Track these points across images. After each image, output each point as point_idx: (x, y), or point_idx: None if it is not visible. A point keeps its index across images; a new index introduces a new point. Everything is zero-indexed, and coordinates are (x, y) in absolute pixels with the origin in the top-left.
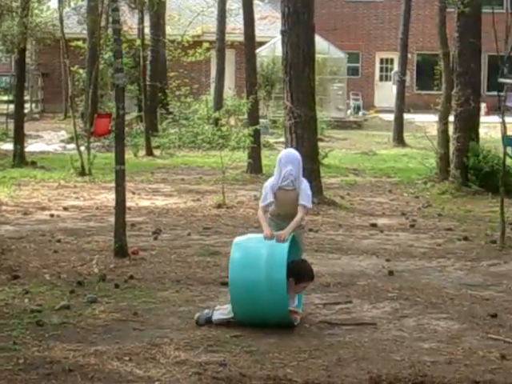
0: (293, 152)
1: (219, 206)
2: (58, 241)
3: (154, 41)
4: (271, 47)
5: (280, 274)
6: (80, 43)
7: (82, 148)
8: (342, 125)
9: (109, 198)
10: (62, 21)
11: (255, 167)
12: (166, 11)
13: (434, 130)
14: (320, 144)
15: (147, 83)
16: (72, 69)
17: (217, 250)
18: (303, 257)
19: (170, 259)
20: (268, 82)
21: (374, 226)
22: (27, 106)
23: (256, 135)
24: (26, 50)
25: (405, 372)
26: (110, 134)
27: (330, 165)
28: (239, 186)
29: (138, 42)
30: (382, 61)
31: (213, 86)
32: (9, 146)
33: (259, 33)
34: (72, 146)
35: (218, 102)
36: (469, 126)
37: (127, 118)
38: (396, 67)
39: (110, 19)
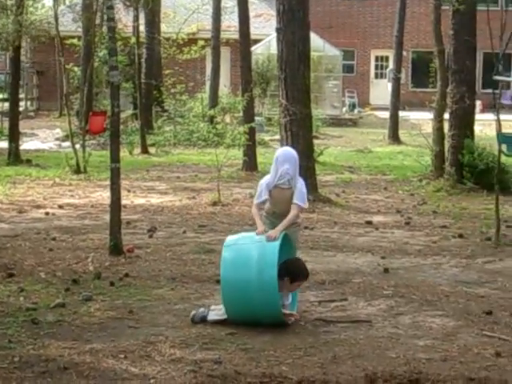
0: (290, 151)
1: (214, 204)
2: (53, 239)
3: (149, 38)
4: (266, 45)
5: (271, 273)
6: (75, 41)
7: (77, 146)
8: (337, 122)
9: (104, 195)
10: (56, 18)
11: (250, 165)
12: (161, 9)
13: (429, 128)
14: (315, 141)
15: (142, 81)
16: (67, 67)
17: (212, 248)
18: (298, 254)
19: (166, 257)
20: (263, 79)
21: (369, 223)
22: (22, 104)
23: (251, 133)
24: (21, 47)
25: (400, 369)
26: (105, 131)
27: (326, 162)
28: (234, 183)
29: (133, 39)
30: (377, 58)
31: (208, 83)
32: (4, 144)
33: (254, 30)
34: (67, 143)
35: (214, 99)
36: (464, 124)
37: (122, 115)
38: (391, 65)
39: (105, 17)
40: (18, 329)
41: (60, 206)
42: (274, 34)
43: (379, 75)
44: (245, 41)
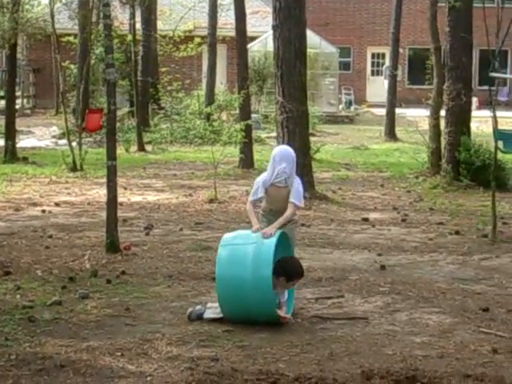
0: (287, 149)
1: (211, 201)
2: (50, 236)
3: (146, 36)
4: (263, 42)
5: (266, 271)
6: (71, 38)
7: (74, 143)
8: (333, 119)
9: (100, 193)
10: (53, 16)
11: (247, 162)
12: (158, 6)
13: (425, 125)
14: (312, 139)
15: (139, 78)
16: (63, 64)
17: (209, 245)
18: (294, 252)
19: (162, 254)
20: (260, 76)
21: (365, 220)
22: (18, 101)
23: (248, 130)
24: (17, 45)
25: (396, 366)
26: (101, 129)
27: (322, 159)
28: (231, 180)
29: (130, 37)
30: (373, 55)
31: (204, 81)
32: (0, 142)
33: (251, 28)
34: (63, 141)
35: (210, 97)
36: (460, 121)
37: (119, 113)
38: (388, 62)
39: (101, 14)
40: (14, 327)
41: (56, 204)
42: (271, 32)
43: (376, 72)
44: (241, 38)
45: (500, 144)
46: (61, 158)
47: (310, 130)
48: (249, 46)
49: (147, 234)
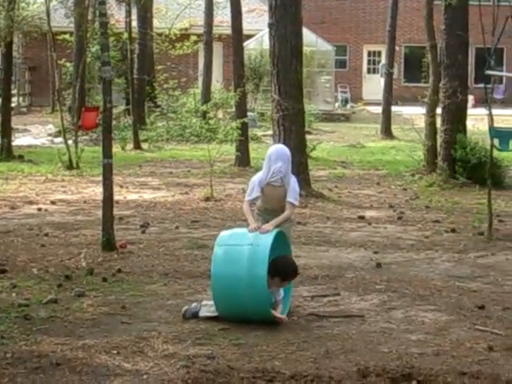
0: (283, 148)
1: (207, 199)
2: (46, 235)
3: (142, 34)
4: (259, 40)
5: (261, 270)
6: (67, 36)
7: (70, 142)
8: (329, 117)
9: (96, 191)
10: (48, 14)
11: (243, 160)
12: (153, 4)
13: (421, 123)
14: (308, 137)
15: (135, 76)
16: (59, 62)
17: (205, 243)
18: (291, 249)
19: (158, 252)
20: (256, 74)
21: (361, 218)
22: (14, 99)
23: (244, 128)
24: (13, 43)
25: (392, 364)
26: (97, 127)
27: (318, 157)
28: (227, 179)
29: (126, 35)
30: (369, 53)
31: (200, 79)
32: None
33: (247, 26)
34: (59, 139)
35: (206, 95)
36: (456, 119)
37: (115, 111)
38: (384, 60)
39: (97, 12)
40: (10, 325)
41: (52, 202)
42: (267, 30)
43: (372, 70)
44: (237, 36)
45: (496, 142)
46: (57, 156)
47: (306, 128)
48: (245, 44)
49: (143, 232)
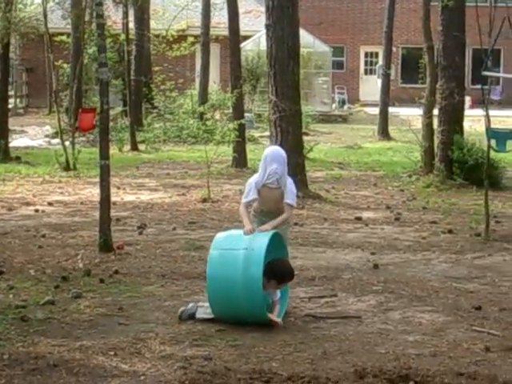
0: (279, 150)
1: (204, 201)
2: (43, 236)
3: (139, 35)
4: (256, 41)
5: (256, 271)
6: (64, 38)
7: (67, 143)
8: (327, 119)
9: (94, 192)
10: (45, 15)
11: (240, 161)
12: (151, 6)
13: (418, 124)
14: (305, 138)
15: (132, 78)
16: (56, 63)
17: (202, 245)
18: (288, 251)
19: (155, 254)
20: (253, 76)
21: (358, 219)
22: (11, 101)
23: (241, 129)
24: (10, 44)
25: (389, 365)
26: (94, 128)
27: (315, 159)
28: (224, 180)
29: (123, 36)
30: (366, 54)
31: (198, 80)
32: None
33: (244, 27)
34: (57, 140)
35: (203, 96)
36: (453, 120)
37: (112, 112)
38: (381, 61)
39: (94, 14)
40: (7, 326)
41: (49, 203)
42: (264, 31)
43: (369, 71)
44: (234, 37)
45: (493, 143)
46: (54, 158)
47: (304, 129)
48: (242, 45)
49: (140, 234)
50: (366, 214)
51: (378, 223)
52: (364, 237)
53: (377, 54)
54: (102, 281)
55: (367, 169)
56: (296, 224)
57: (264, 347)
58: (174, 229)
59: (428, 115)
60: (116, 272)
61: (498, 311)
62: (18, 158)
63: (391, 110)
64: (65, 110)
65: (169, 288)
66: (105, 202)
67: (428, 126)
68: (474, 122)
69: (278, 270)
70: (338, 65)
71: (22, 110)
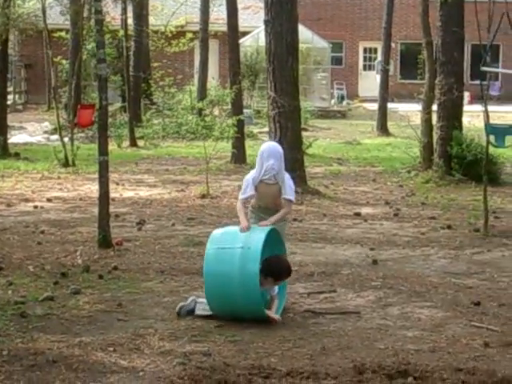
0: (275, 145)
1: (203, 197)
2: (42, 232)
3: (138, 31)
4: (255, 37)
5: (253, 268)
6: (63, 34)
7: (66, 139)
8: (325, 114)
9: (93, 189)
10: (44, 11)
11: (239, 157)
12: (149, 1)
13: (417, 119)
14: (304, 134)
15: (131, 74)
16: (55, 60)
17: (201, 241)
18: (286, 247)
19: (154, 250)
20: (252, 72)
21: (357, 215)
22: (10, 97)
23: (240, 125)
24: (9, 40)
25: (388, 360)
26: (93, 124)
27: (314, 154)
28: (223, 176)
29: (121, 32)
30: (365, 50)
31: (196, 76)
32: None
33: (243, 23)
34: (55, 137)
35: (202, 92)
36: (452, 115)
37: (111, 108)
38: (380, 56)
39: (93, 9)
40: (6, 322)
41: (48, 200)
42: (263, 27)
43: (368, 67)
44: (233, 33)
45: (492, 138)
46: (53, 154)
47: (303, 125)
48: (241, 41)
49: (139, 230)
50: (364, 210)
51: (376, 219)
52: (363, 232)
53: (376, 50)
54: (101, 277)
55: (366, 164)
56: (295, 220)
57: (263, 343)
58: (173, 225)
59: (427, 111)
60: (115, 268)
61: (497, 307)
62: (16, 155)
63: (390, 105)
64: (64, 106)
65: (168, 284)
66: (103, 198)
67: (427, 121)
68: (472, 117)
69: (274, 267)
70: (337, 60)
71: (20, 107)
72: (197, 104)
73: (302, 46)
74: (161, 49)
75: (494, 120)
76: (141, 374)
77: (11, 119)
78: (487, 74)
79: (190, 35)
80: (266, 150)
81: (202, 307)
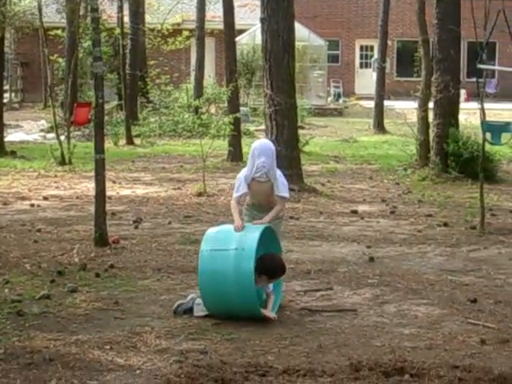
0: (266, 143)
1: (200, 195)
2: (39, 230)
3: (134, 29)
4: (251, 35)
5: (248, 267)
6: (59, 32)
7: (62, 137)
8: (322, 112)
9: (89, 187)
10: (40, 9)
11: (236, 155)
12: None
13: (414, 117)
14: (301, 131)
15: (127, 72)
16: (51, 58)
17: (197, 239)
18: (283, 245)
19: (151, 248)
20: (248, 69)
21: (354, 212)
22: (6, 95)
23: (236, 123)
24: (5, 39)
25: (385, 358)
26: (89, 123)
27: (311, 152)
28: (220, 174)
29: (118, 30)
30: (362, 48)
31: (193, 74)
32: None
33: (239, 21)
34: (52, 135)
35: (198, 90)
36: (448, 113)
37: (107, 106)
38: (376, 54)
39: (89, 8)
40: (3, 321)
41: (45, 198)
42: (259, 25)
43: (364, 65)
44: (229, 31)
45: (488, 136)
46: (49, 152)
47: (299, 123)
48: (237, 39)
49: (136, 228)
50: (361, 208)
51: (373, 216)
52: (359, 230)
53: (372, 48)
54: (97, 275)
55: (363, 162)
56: (292, 217)
57: (260, 341)
58: (170, 223)
59: (423, 108)
60: (111, 266)
61: (494, 304)
62: (13, 153)
63: (386, 103)
64: (60, 104)
65: (164, 282)
66: (100, 196)
67: (423, 119)
68: (469, 115)
69: (268, 265)
70: (334, 58)
71: (17, 105)
72: (193, 102)
73: (298, 44)
74: (157, 47)
75: (491, 117)
76: (137, 371)
77: (7, 117)
78: (483, 72)
79: (186, 33)
80: (257, 147)
81: (201, 308)
